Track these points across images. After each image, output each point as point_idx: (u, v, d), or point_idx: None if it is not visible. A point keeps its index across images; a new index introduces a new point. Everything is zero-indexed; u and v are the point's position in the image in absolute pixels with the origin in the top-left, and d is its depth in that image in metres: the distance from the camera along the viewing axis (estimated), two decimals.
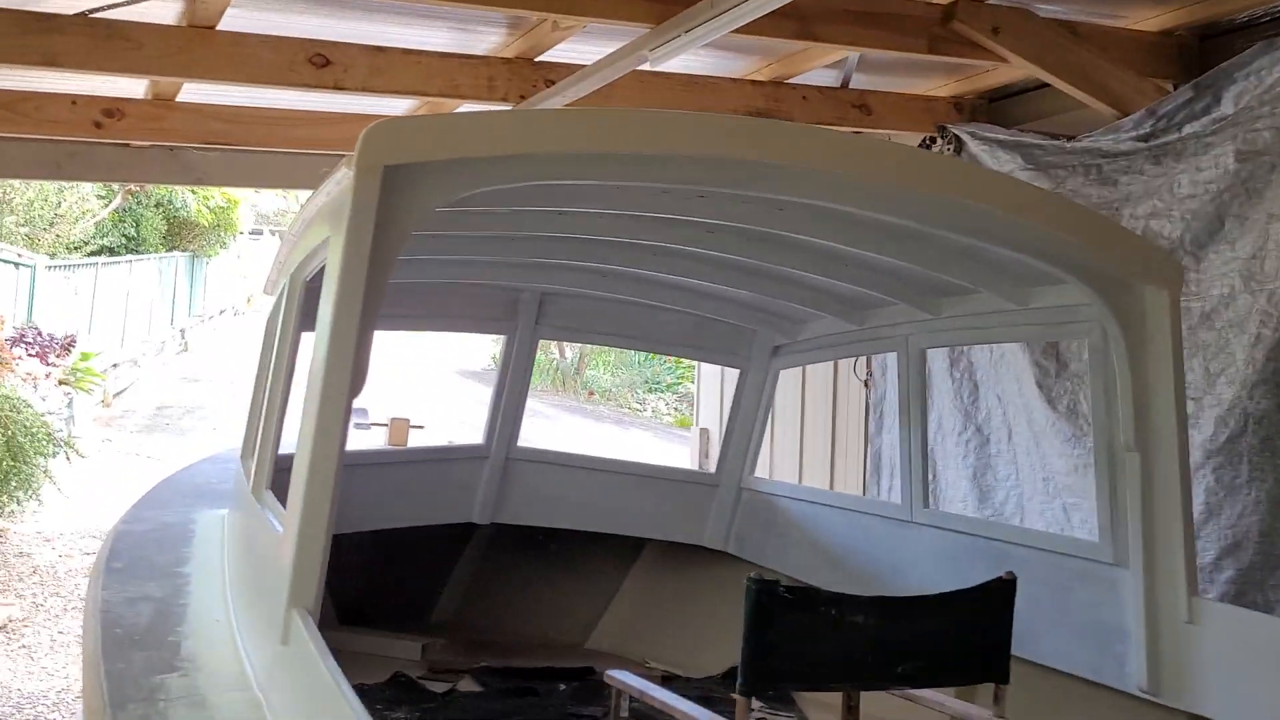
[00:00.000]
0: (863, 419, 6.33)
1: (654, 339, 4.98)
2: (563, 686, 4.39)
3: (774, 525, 4.80)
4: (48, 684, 7.06)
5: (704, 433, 7.86)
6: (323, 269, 2.78)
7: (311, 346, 2.35)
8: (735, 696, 2.64)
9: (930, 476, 5.59)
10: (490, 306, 4.71)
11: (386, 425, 6.27)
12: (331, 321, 2.19)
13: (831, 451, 6.50)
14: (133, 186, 20.34)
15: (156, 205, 21.69)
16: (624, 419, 22.24)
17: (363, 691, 4.04)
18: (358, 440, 6.31)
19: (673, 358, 24.80)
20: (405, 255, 2.41)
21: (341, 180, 2.38)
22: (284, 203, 44.89)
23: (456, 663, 4.65)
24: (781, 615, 2.61)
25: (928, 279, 3.70)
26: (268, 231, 40.48)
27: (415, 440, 6.29)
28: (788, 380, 6.00)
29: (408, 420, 6.22)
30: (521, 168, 2.34)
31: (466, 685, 4.41)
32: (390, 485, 4.63)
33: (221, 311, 28.47)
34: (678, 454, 15.18)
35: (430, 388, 20.26)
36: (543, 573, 5.52)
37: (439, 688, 4.31)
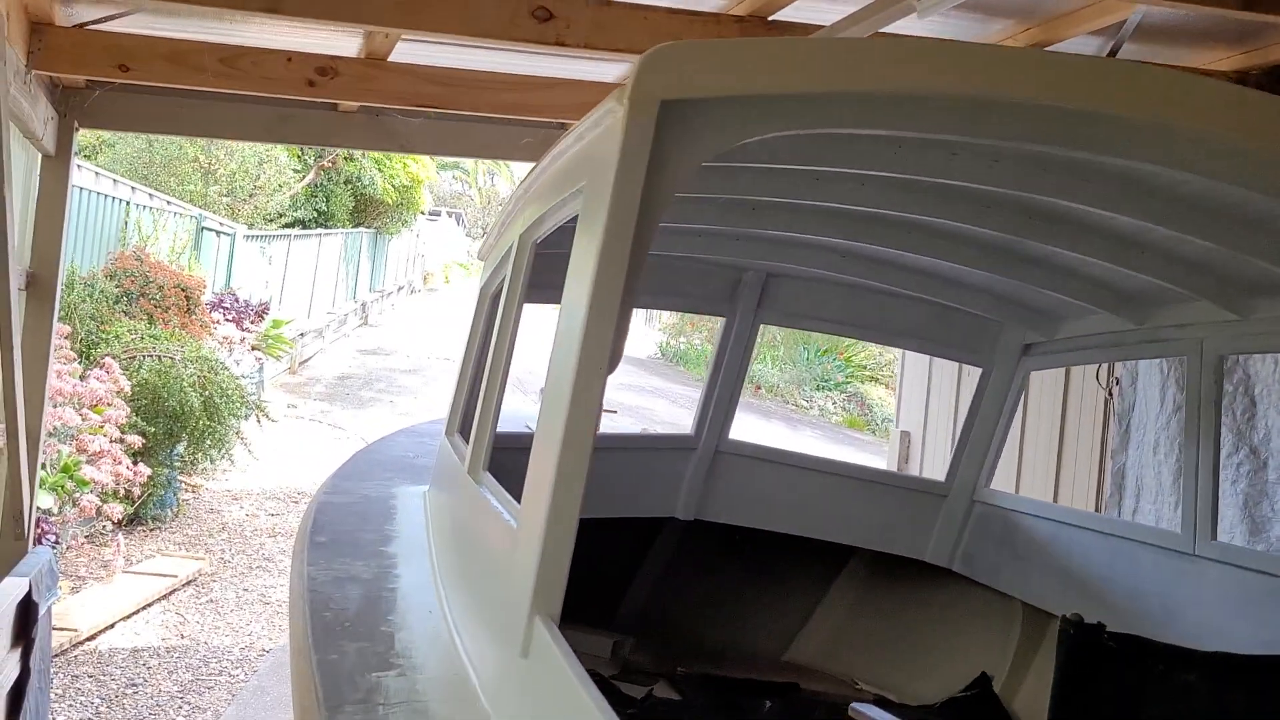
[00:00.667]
0: (1098, 430, 5.70)
1: (886, 329, 4.51)
2: (768, 703, 3.99)
3: (1012, 544, 4.27)
4: (233, 639, 7.15)
5: (905, 436, 7.32)
6: (561, 230, 2.44)
7: (548, 318, 2.01)
8: None
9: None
10: (709, 285, 4.33)
11: None
12: (592, 287, 1.85)
13: (1057, 465, 5.88)
14: (326, 162, 21.03)
15: (346, 182, 22.33)
16: (791, 416, 21.68)
17: None
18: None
19: (846, 354, 24.18)
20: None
21: (602, 120, 2.03)
22: (461, 186, 46.03)
23: (650, 665, 4.32)
24: (1102, 667, 2.13)
25: (1243, 273, 3.12)
26: (445, 214, 41.55)
27: (606, 426, 5.98)
28: None
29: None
30: (826, 109, 1.92)
31: (662, 691, 4.06)
32: (592, 473, 4.32)
33: (400, 288, 29.26)
34: (851, 456, 14.58)
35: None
36: (740, 575, 5.13)
37: (635, 691, 3.98)
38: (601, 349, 1.86)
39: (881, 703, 4.22)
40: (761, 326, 4.57)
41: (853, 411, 22.86)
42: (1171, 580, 3.61)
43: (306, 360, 18.42)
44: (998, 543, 4.35)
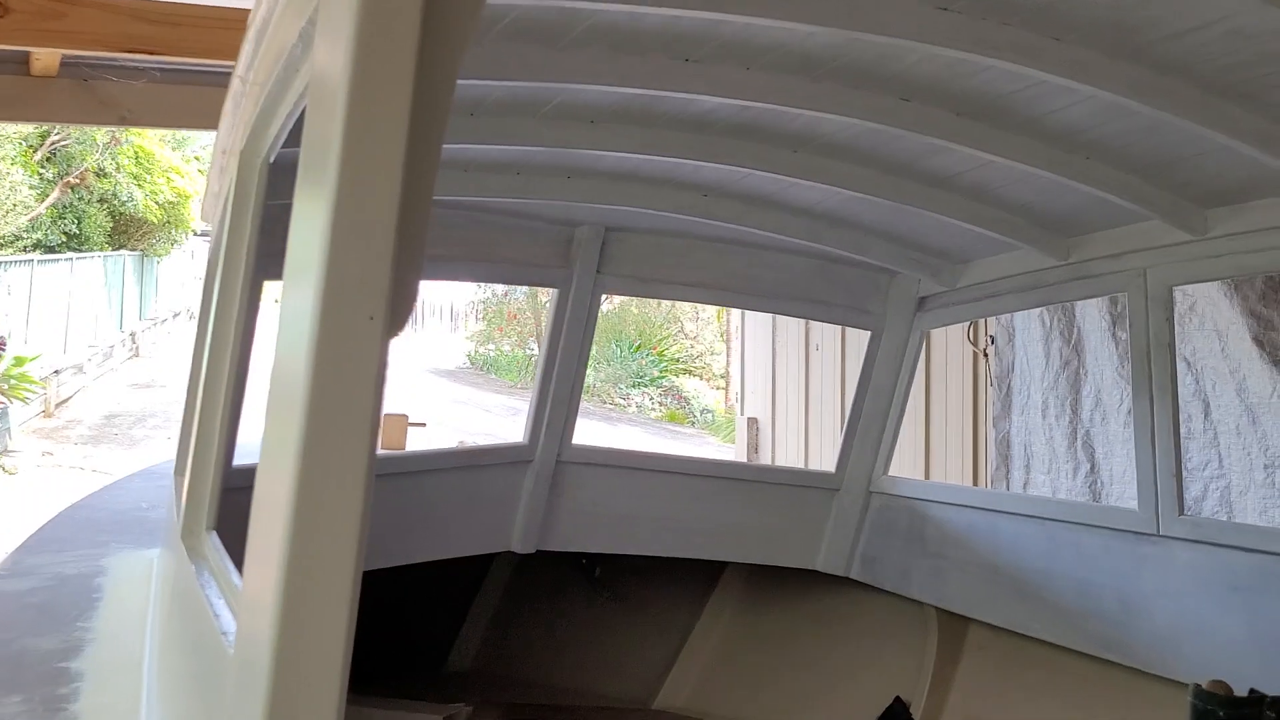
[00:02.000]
0: (968, 396, 5.12)
1: (756, 290, 3.69)
2: None
3: (921, 540, 3.55)
4: None
5: (752, 423, 6.60)
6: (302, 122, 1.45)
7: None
8: None
9: (1089, 465, 4.39)
10: (537, 247, 3.40)
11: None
12: (352, 188, 0.92)
13: (925, 439, 5.27)
14: (73, 178, 18.80)
15: (100, 200, 20.15)
16: (610, 415, 21.02)
17: None
18: None
19: (658, 349, 23.73)
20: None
21: None
22: None
23: None
24: None
25: (1210, 172, 2.46)
26: None
27: (416, 443, 4.91)
28: (854, 346, 4.77)
29: (405, 416, 4.83)
30: None
31: None
32: (402, 505, 3.31)
33: (175, 315, 26.82)
34: (675, 449, 13.95)
35: (401, 386, 18.83)
36: (592, 610, 4.24)
37: None
38: (373, 292, 0.93)
39: None
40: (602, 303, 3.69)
41: (670, 405, 22.50)
42: (1131, 570, 2.95)
43: (65, 401, 16.29)
44: (903, 540, 3.62)
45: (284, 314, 1.01)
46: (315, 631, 0.95)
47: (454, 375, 22.55)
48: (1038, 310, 4.58)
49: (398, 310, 1.05)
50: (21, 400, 13.32)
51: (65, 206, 19.16)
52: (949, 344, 5.24)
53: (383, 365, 1.03)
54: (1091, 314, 4.31)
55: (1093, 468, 4.28)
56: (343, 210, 0.97)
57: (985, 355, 4.91)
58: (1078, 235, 3.01)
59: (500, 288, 21.01)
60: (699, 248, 3.53)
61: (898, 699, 3.61)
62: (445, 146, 2.45)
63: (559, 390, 3.51)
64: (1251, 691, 1.33)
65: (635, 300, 21.91)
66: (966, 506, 3.44)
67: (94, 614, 2.27)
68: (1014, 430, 4.67)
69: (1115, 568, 2.99)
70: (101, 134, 18.48)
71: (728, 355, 21.27)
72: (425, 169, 1.02)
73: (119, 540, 2.88)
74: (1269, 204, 2.54)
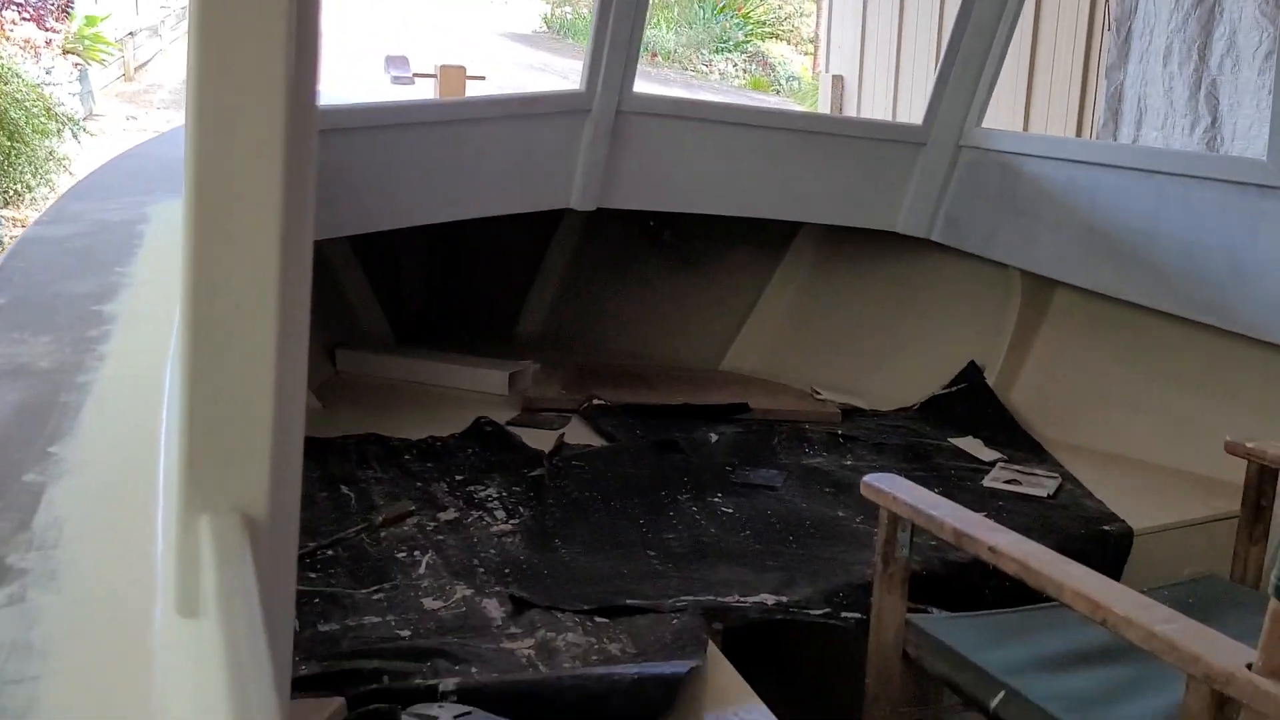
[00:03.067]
0: (1080, 43, 4.61)
1: None
2: (713, 436, 3.10)
3: (1012, 199, 3.28)
4: None
5: (838, 81, 6.15)
6: None
7: None
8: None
9: (1210, 119, 3.97)
10: None
11: (434, 76, 4.61)
12: None
13: (1028, 91, 4.81)
14: None
15: None
16: (691, 83, 20.19)
17: (433, 450, 2.73)
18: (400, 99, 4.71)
19: (744, 10, 22.35)
20: None
21: None
22: None
23: (558, 399, 3.37)
24: None
25: None
26: None
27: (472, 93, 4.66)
28: None
29: (463, 68, 4.57)
30: None
31: (576, 433, 3.14)
32: (453, 156, 3.13)
33: None
34: None
35: (468, 50, 18.16)
36: (659, 272, 4.13)
37: (540, 440, 3.04)
38: None
39: (850, 414, 3.37)
40: None
41: (755, 72, 21.52)
42: (1248, 229, 2.67)
43: (144, 65, 16.14)
44: (992, 199, 3.35)
45: None
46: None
47: (528, 40, 21.68)
48: None
49: None
50: (99, 62, 13.19)
51: None
52: None
53: None
54: None
55: (1214, 121, 3.86)
56: None
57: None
58: None
59: None
60: None
61: (972, 363, 3.50)
62: None
63: (617, 33, 3.19)
64: None
65: None
66: (1067, 160, 3.13)
67: (133, 260, 2.19)
68: (1129, 81, 4.20)
69: (1229, 227, 2.71)
70: None
71: (818, 17, 19.93)
72: None
73: (165, 189, 2.78)
74: None
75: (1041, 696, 1.57)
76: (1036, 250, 3.22)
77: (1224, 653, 1.21)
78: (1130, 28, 4.24)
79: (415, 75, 4.73)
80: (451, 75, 4.43)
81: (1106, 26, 4.30)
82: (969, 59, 3.30)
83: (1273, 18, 3.57)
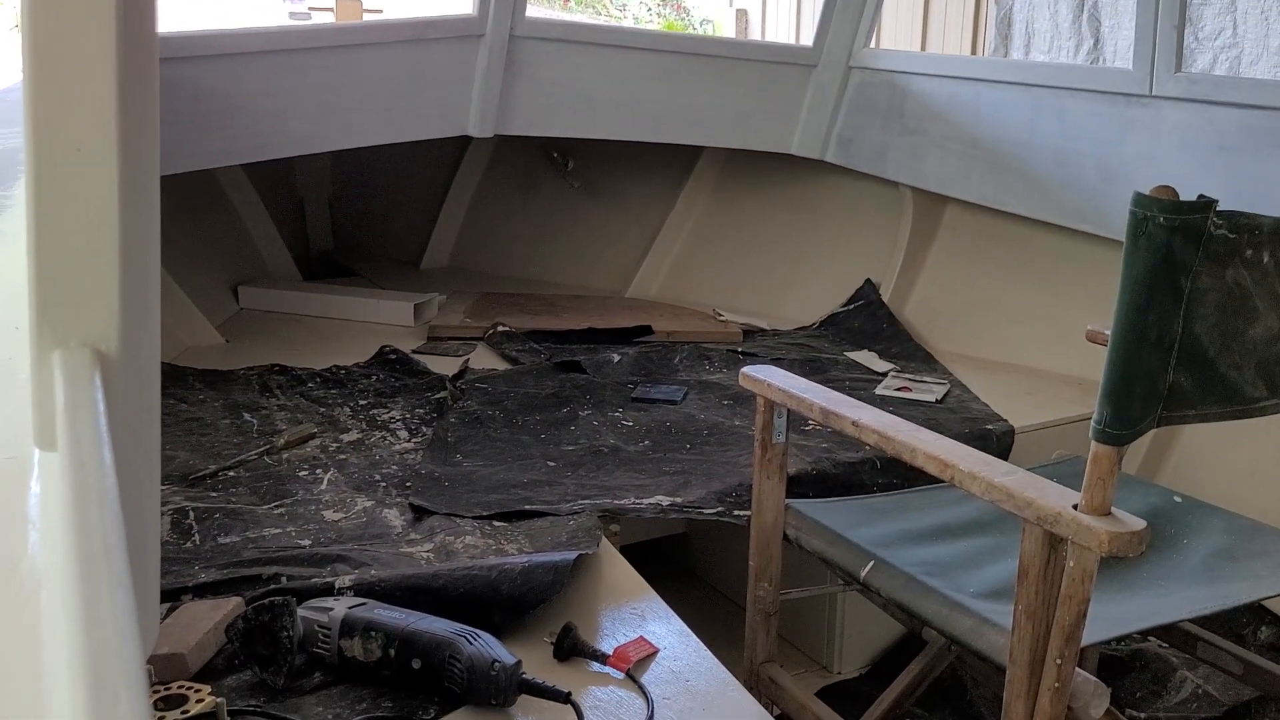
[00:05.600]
0: None
1: None
2: (616, 358, 3.16)
3: (900, 117, 3.37)
4: None
5: (741, 15, 6.19)
6: None
7: None
8: (1095, 444, 1.33)
9: (1092, 40, 4.10)
10: None
11: (331, 10, 4.54)
12: None
13: (924, 15, 4.90)
14: None
15: None
16: (604, 23, 20.03)
17: (336, 378, 2.75)
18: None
19: None
20: None
21: None
22: None
23: (463, 327, 3.41)
24: (1196, 263, 1.26)
25: None
26: None
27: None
28: None
29: (359, 1, 4.51)
30: None
31: (481, 359, 3.18)
32: (347, 83, 3.11)
33: None
34: None
35: None
36: (561, 200, 4.16)
37: (444, 366, 3.08)
38: None
39: (751, 333, 3.46)
40: None
41: (669, 15, 21.38)
42: (1116, 135, 2.79)
43: None
44: (881, 119, 3.44)
45: None
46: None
47: None
48: None
49: None
50: None
51: None
52: None
53: None
54: None
55: (1096, 43, 3.99)
56: None
57: None
58: None
59: None
60: None
61: (868, 280, 3.61)
62: None
63: None
64: (1200, 196, 1.22)
65: None
66: (950, 77, 3.22)
67: (18, 183, 2.16)
68: (1016, 5, 4.32)
69: (1099, 134, 2.83)
70: None
71: None
72: None
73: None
74: None
75: (906, 563, 1.67)
76: (924, 167, 3.32)
77: (1053, 496, 1.32)
78: None
79: (311, 9, 4.67)
80: (347, 6, 4.39)
81: None
82: None
83: None
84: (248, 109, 2.94)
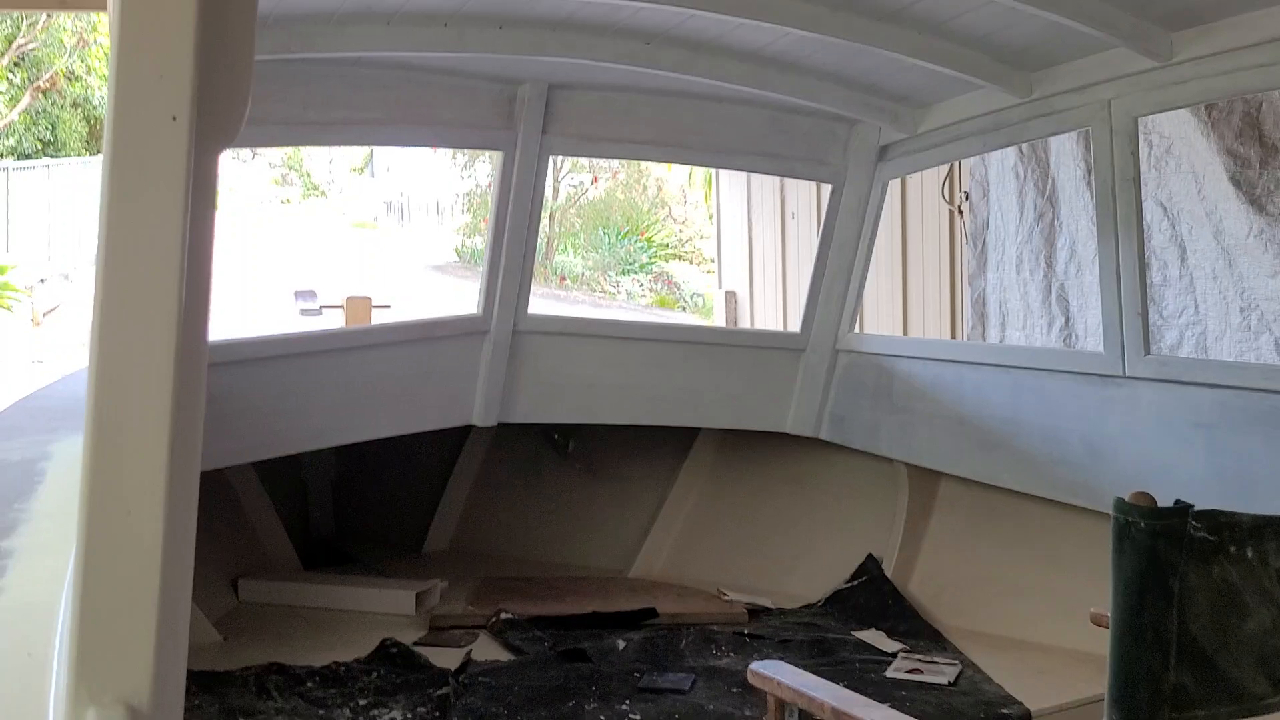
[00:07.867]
0: (945, 254, 5.03)
1: (710, 146, 3.55)
2: (621, 643, 3.12)
3: (888, 396, 3.50)
4: None
5: (731, 296, 6.53)
6: None
7: None
8: None
9: (1063, 319, 4.32)
10: (478, 109, 3.25)
11: (341, 307, 4.81)
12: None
13: (903, 299, 5.18)
14: (43, 83, 18.33)
15: (74, 105, 19.70)
16: (600, 302, 20.92)
17: (336, 676, 2.70)
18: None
19: (647, 235, 23.50)
20: None
21: None
22: None
23: (466, 615, 3.38)
24: (1181, 564, 1.30)
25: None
26: None
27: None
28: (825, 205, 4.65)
29: (369, 299, 4.78)
30: None
31: (484, 649, 3.13)
32: (357, 380, 3.26)
33: None
34: None
35: (394, 282, 18.71)
36: (563, 482, 4.23)
37: (447, 659, 3.03)
38: (174, 87, 0.84)
39: (757, 613, 3.44)
40: (551, 159, 3.51)
41: (661, 291, 22.40)
42: (1096, 413, 2.90)
43: (53, 310, 16.20)
44: (871, 397, 3.57)
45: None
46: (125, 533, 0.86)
47: (443, 269, 22.38)
48: (1011, 163, 4.45)
49: (219, 113, 0.95)
50: (6, 309, 13.24)
51: (38, 113, 18.75)
52: (925, 202, 5.12)
53: (205, 178, 0.93)
54: (1066, 163, 4.18)
55: (1067, 321, 4.21)
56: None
57: (960, 212, 4.79)
58: (1040, 69, 2.87)
59: (484, 179, 20.65)
60: (646, 102, 3.39)
61: (870, 556, 3.62)
62: None
63: (510, 258, 3.41)
64: (1177, 502, 1.28)
65: (621, 186, 21.54)
66: (932, 359, 3.38)
67: (32, 496, 2.23)
68: (989, 287, 4.58)
69: (1080, 412, 2.94)
70: (69, 36, 17.97)
71: (718, 237, 20.97)
72: None
73: (69, 425, 2.83)
74: (1236, 22, 2.41)
75: None
76: (916, 443, 3.41)
77: None
78: (985, 241, 4.67)
79: (323, 307, 4.94)
80: (357, 305, 4.64)
81: (965, 240, 4.72)
82: (836, 273, 3.60)
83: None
84: (260, 409, 3.06)
